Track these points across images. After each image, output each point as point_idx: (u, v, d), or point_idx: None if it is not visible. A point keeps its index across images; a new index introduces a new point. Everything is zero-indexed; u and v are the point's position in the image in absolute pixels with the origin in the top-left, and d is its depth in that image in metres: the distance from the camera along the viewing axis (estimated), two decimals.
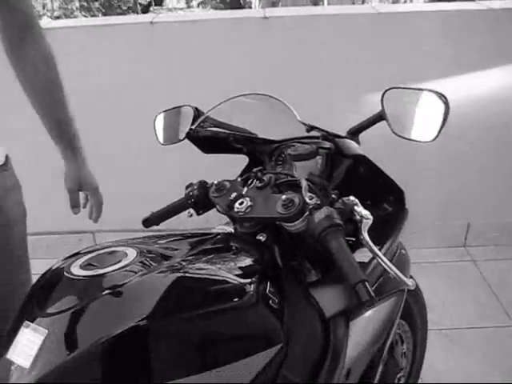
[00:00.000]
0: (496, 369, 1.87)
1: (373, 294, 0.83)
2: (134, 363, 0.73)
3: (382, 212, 1.18)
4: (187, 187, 1.19)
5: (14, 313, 0.80)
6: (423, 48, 2.23)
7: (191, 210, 1.18)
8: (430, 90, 0.98)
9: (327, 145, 1.15)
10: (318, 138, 1.17)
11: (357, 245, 0.99)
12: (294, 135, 1.20)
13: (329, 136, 1.10)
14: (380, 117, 1.07)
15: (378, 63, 2.22)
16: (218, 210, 1.12)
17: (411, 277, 1.34)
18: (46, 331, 0.72)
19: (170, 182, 1.63)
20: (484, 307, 2.18)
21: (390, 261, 0.93)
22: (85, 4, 11.46)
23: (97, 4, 11.53)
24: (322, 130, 1.08)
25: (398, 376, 1.45)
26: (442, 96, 0.97)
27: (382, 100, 1.05)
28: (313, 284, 0.99)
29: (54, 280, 0.80)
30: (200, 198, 1.14)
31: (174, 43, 2.29)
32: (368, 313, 1.03)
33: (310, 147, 1.07)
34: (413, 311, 1.56)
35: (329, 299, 0.97)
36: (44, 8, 11.35)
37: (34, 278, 0.87)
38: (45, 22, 2.49)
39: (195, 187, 1.15)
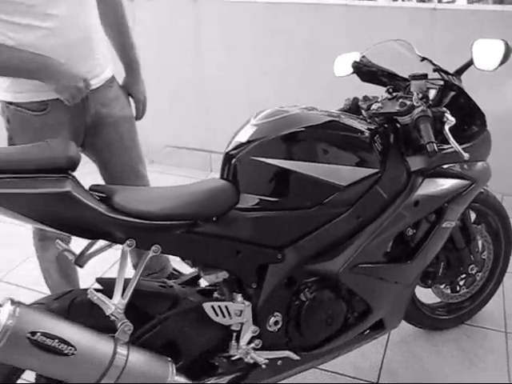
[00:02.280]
0: None
1: (436, 149, 1.42)
2: (306, 146, 1.44)
3: (471, 132, 1.73)
4: (346, 100, 1.85)
5: None
6: None
7: None
8: (501, 39, 1.52)
9: (440, 81, 1.73)
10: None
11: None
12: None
13: (441, 71, 1.67)
14: (471, 60, 1.62)
15: None
16: (363, 116, 1.77)
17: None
18: (256, 128, 1.45)
19: None
20: None
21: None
22: None
23: None
24: (434, 64, 1.66)
25: (471, 267, 1.95)
26: (506, 42, 1.51)
27: (471, 49, 1.61)
28: (406, 154, 1.59)
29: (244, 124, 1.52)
30: (353, 106, 1.79)
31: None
32: (439, 180, 1.60)
33: (422, 72, 1.67)
34: (499, 231, 2.05)
35: (414, 162, 1.57)
36: None
37: None
38: None
39: (350, 99, 1.81)
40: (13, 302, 1.10)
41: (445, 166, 1.62)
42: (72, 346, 1.11)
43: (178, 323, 1.36)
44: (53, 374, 1.15)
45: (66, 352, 1.11)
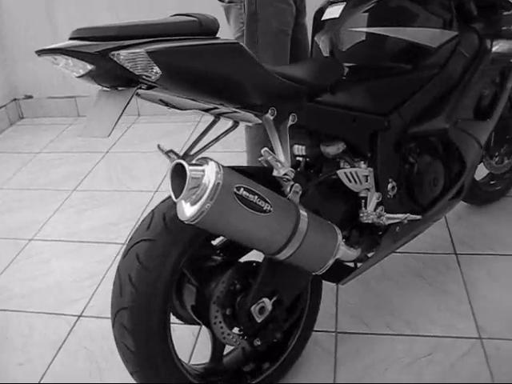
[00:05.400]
0: None
1: None
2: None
3: None
4: None
5: None
6: None
7: None
8: None
9: None
10: None
11: None
12: None
13: None
14: None
15: None
16: None
17: None
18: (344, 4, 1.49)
19: None
20: None
21: None
22: None
23: None
24: None
25: None
26: None
27: None
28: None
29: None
30: None
31: None
32: (506, 40, 1.70)
33: None
34: None
35: (480, 26, 1.66)
36: None
37: None
38: None
39: None
40: (212, 160, 1.07)
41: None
42: (269, 203, 1.11)
43: (317, 194, 1.39)
44: (249, 234, 1.14)
45: (264, 208, 1.10)
